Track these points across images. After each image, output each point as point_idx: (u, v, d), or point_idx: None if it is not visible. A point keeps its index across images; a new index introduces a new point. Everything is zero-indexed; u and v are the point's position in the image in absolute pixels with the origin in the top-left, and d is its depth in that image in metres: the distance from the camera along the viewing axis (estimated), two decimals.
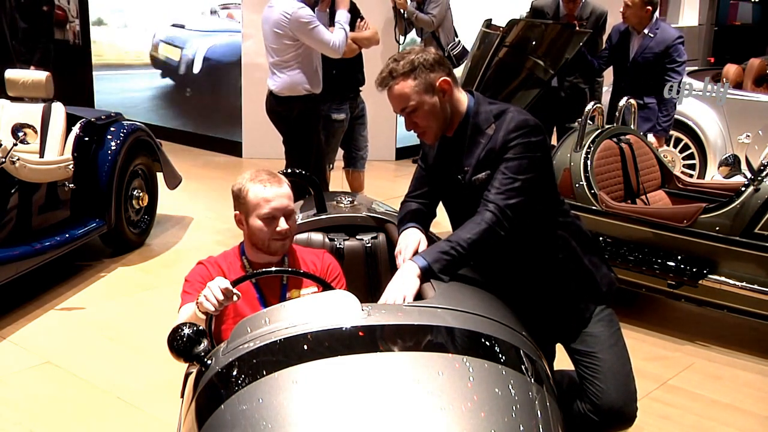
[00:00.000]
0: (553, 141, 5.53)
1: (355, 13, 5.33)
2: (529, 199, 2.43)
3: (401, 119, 2.60)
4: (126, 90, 9.44)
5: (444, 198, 2.72)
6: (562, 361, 2.79)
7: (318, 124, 5.12)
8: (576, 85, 6.23)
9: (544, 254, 2.62)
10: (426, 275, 2.34)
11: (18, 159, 4.34)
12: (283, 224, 2.47)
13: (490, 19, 5.08)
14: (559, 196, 2.71)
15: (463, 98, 2.55)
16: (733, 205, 4.09)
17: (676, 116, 5.75)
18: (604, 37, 6.02)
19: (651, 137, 5.40)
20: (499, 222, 2.39)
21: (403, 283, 2.30)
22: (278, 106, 5.09)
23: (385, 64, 2.50)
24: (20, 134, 4.26)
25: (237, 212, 2.53)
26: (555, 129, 6.22)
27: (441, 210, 2.76)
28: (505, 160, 2.43)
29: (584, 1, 6.12)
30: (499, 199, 2.40)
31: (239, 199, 2.51)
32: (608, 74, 6.30)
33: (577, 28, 5.29)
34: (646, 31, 5.41)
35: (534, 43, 4.92)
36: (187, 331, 2.06)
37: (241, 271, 2.51)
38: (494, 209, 2.39)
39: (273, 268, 2.47)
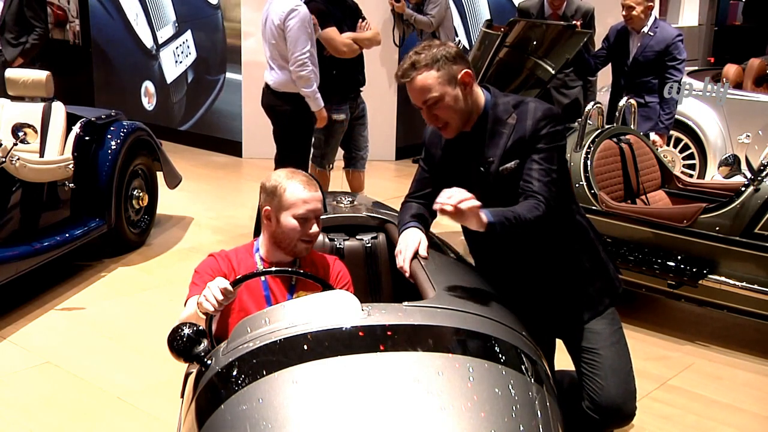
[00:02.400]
0: None
1: (357, 14, 5.34)
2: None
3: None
4: None
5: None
6: (563, 361, 2.79)
7: (310, 122, 5.13)
8: (566, 83, 6.22)
9: (565, 239, 2.63)
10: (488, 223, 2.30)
11: (18, 159, 4.34)
12: (314, 227, 2.52)
13: (491, 20, 5.08)
14: (571, 187, 2.73)
15: (480, 93, 2.55)
16: (733, 205, 4.09)
17: (676, 116, 5.75)
18: (596, 36, 6.02)
19: (653, 135, 5.41)
20: (547, 212, 2.41)
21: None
22: (274, 100, 5.12)
23: (406, 57, 2.50)
24: (20, 134, 4.26)
25: (267, 207, 2.54)
26: None
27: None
28: (537, 150, 2.46)
29: (569, 0, 6.09)
30: (545, 191, 2.42)
31: (274, 196, 2.51)
32: (605, 74, 6.29)
33: (578, 28, 5.29)
34: (645, 29, 5.41)
35: (535, 43, 4.92)
36: (187, 331, 2.06)
37: (253, 268, 2.52)
38: (544, 201, 2.41)
39: (273, 268, 2.48)
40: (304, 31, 4.88)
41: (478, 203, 2.22)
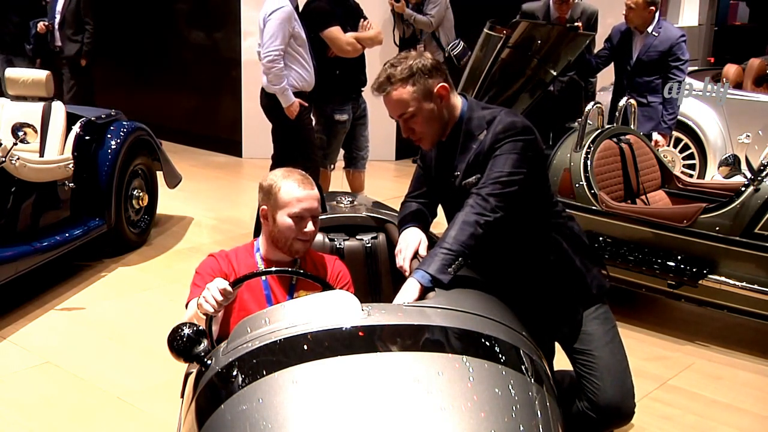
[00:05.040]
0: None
1: (359, 14, 5.34)
2: (516, 193, 2.41)
3: None
4: None
5: (440, 199, 2.73)
6: (562, 361, 2.79)
7: (304, 122, 5.13)
8: (573, 81, 6.23)
9: (537, 256, 2.62)
10: (430, 283, 2.29)
11: (18, 158, 4.34)
12: (310, 226, 2.50)
13: (495, 21, 5.07)
14: (552, 197, 2.70)
15: (458, 103, 2.55)
16: (733, 205, 4.09)
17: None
18: (597, 37, 6.02)
19: (656, 135, 5.41)
20: (480, 209, 2.37)
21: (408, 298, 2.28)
22: (266, 101, 5.13)
23: (381, 69, 2.48)
24: (20, 133, 4.26)
25: (264, 207, 2.55)
26: (551, 134, 6.18)
27: (441, 210, 2.76)
28: (492, 158, 2.44)
29: (575, 2, 6.11)
30: (482, 190, 2.40)
31: (269, 195, 2.52)
32: (608, 74, 6.29)
33: (581, 30, 5.29)
34: (649, 30, 5.42)
35: (537, 44, 4.92)
36: (187, 331, 2.06)
37: (253, 268, 2.53)
38: (474, 198, 2.39)
39: (272, 269, 2.48)
40: (282, 28, 4.88)
41: (411, 295, 2.25)
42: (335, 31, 5.14)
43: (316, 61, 5.13)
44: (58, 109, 5.09)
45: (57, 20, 7.62)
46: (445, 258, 2.31)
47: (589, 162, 4.48)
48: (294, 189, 2.50)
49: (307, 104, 5.12)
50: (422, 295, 2.27)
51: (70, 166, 4.93)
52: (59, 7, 7.60)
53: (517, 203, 2.44)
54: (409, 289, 2.27)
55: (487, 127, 2.48)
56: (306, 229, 2.50)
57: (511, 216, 2.43)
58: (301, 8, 5.22)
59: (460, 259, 2.33)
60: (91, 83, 8.01)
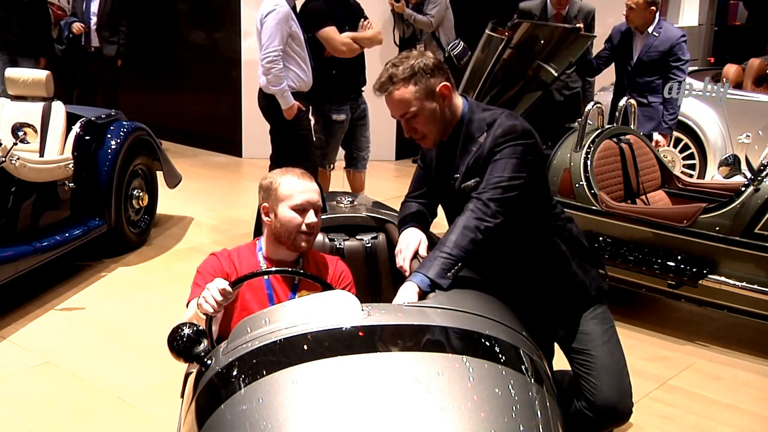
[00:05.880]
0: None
1: (359, 13, 5.34)
2: (517, 198, 2.41)
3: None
4: None
5: (440, 200, 2.73)
6: (562, 361, 2.79)
7: (302, 123, 5.13)
8: (567, 84, 6.23)
9: (535, 258, 2.62)
10: (429, 288, 2.29)
11: (18, 158, 4.34)
12: (312, 217, 2.51)
13: (496, 22, 5.07)
14: (552, 200, 2.70)
15: (459, 103, 2.54)
16: (733, 205, 4.09)
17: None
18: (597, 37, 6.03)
19: (656, 135, 5.41)
20: (480, 215, 2.37)
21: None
22: (263, 102, 5.14)
23: (383, 69, 2.48)
24: (20, 133, 4.26)
25: (265, 204, 2.56)
26: (551, 136, 6.16)
27: (441, 210, 2.76)
28: (492, 162, 2.44)
29: (572, 0, 6.11)
30: (482, 194, 2.40)
31: (269, 191, 2.54)
32: (608, 74, 6.29)
33: (582, 32, 5.29)
34: (650, 30, 5.42)
35: (539, 45, 4.92)
36: (187, 331, 2.06)
37: (255, 267, 2.53)
38: (474, 203, 2.39)
39: (273, 269, 2.48)
40: (279, 29, 4.89)
41: (409, 298, 2.23)
42: (330, 32, 5.14)
43: (314, 61, 5.14)
44: (58, 109, 5.09)
45: (93, 22, 7.68)
46: (444, 263, 2.31)
47: (589, 162, 4.48)
48: (294, 182, 2.53)
49: (305, 108, 5.12)
50: (420, 299, 2.27)
51: (70, 166, 4.93)
52: (94, 8, 7.67)
53: (517, 206, 2.44)
54: (407, 292, 2.27)
55: (487, 130, 2.48)
56: (308, 221, 2.50)
57: (511, 219, 2.43)
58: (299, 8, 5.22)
59: (459, 264, 2.33)
60: (93, 83, 8.02)
